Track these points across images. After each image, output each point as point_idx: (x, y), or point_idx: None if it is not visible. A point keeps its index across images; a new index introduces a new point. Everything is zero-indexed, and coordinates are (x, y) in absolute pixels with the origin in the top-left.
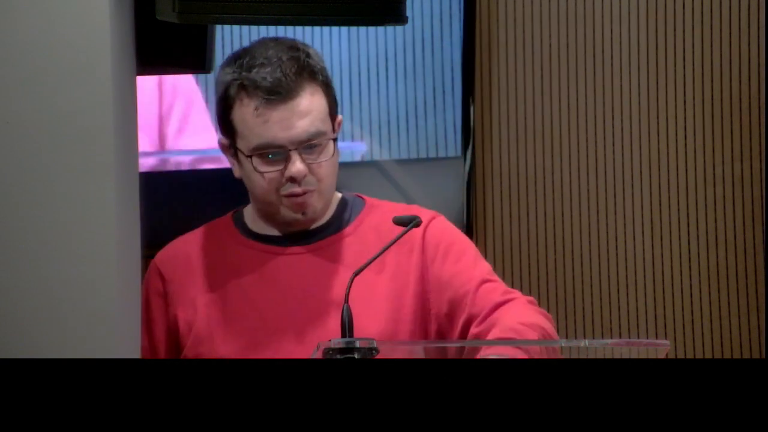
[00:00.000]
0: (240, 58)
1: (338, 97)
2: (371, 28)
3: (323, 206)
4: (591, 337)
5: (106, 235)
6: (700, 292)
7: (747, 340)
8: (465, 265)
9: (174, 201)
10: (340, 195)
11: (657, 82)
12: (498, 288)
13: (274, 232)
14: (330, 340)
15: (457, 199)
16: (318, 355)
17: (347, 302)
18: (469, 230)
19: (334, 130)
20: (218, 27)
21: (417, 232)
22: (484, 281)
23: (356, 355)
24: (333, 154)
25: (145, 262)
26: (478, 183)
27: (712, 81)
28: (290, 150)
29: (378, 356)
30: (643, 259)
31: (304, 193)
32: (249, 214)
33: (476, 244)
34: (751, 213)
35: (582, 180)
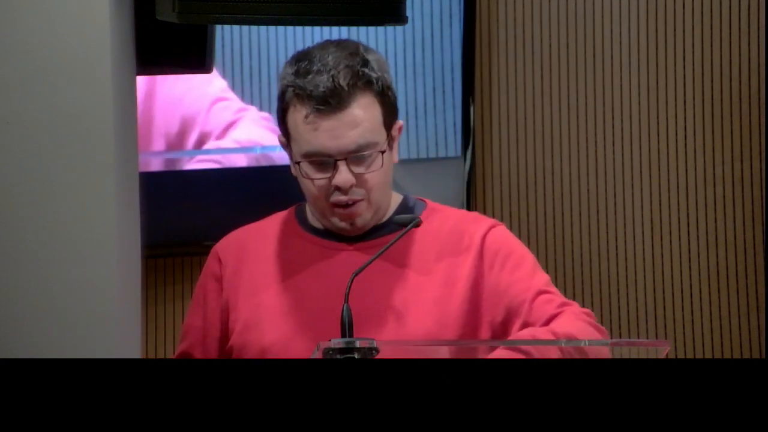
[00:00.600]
0: (300, 61)
1: None
2: (371, 28)
3: (373, 215)
4: None
5: (106, 235)
6: (700, 292)
7: (747, 340)
8: (523, 274)
9: (174, 201)
10: (401, 197)
11: (657, 82)
12: (555, 299)
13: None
14: (330, 340)
15: (457, 199)
16: (318, 355)
17: (347, 302)
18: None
19: (390, 138)
20: (218, 27)
21: (476, 238)
22: (542, 292)
23: (356, 355)
24: (383, 165)
25: (145, 262)
26: (478, 183)
27: (712, 81)
28: (338, 159)
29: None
30: (643, 259)
31: (352, 203)
32: (309, 208)
33: None
34: (751, 213)
35: (582, 180)
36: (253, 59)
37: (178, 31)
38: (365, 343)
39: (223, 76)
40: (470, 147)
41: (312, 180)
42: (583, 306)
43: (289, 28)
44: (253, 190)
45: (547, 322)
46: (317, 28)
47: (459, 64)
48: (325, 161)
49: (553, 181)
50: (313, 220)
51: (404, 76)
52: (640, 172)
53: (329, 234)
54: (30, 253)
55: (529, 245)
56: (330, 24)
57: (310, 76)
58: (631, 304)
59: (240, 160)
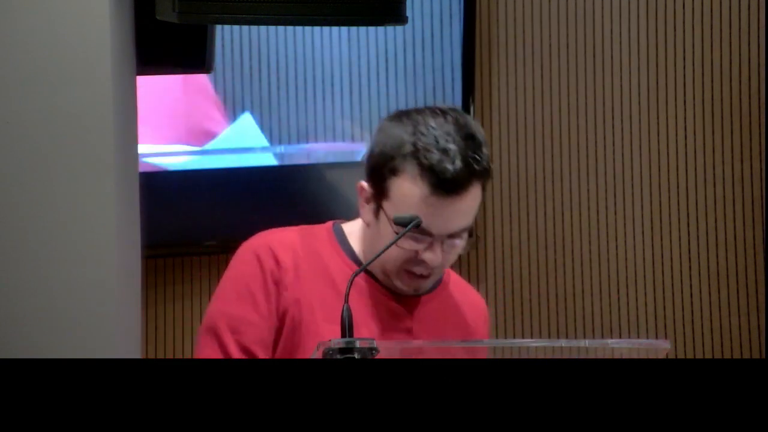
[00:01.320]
0: (420, 131)
1: (338, 97)
2: (371, 28)
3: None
4: (591, 337)
5: (106, 235)
6: (700, 292)
7: (747, 340)
8: None
9: (174, 201)
10: None
11: (657, 82)
12: None
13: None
14: (330, 340)
15: None
16: (318, 355)
17: (347, 302)
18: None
19: (474, 227)
20: (218, 27)
21: (480, 325)
22: None
23: (356, 355)
24: (465, 239)
25: (145, 262)
26: None
27: (712, 81)
28: (435, 239)
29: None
30: (643, 259)
31: (428, 275)
32: (354, 237)
33: (476, 244)
34: (751, 213)
35: (582, 180)
36: (253, 59)
37: (178, 31)
38: (365, 343)
39: (224, 76)
40: None
41: (400, 247)
42: (583, 306)
43: (289, 28)
44: (254, 190)
45: None
46: (317, 28)
47: (459, 64)
48: (423, 236)
49: (553, 181)
50: (359, 251)
51: (404, 76)
52: (640, 172)
53: (369, 273)
54: (30, 253)
55: (529, 245)
56: (330, 24)
57: (436, 156)
58: (631, 304)
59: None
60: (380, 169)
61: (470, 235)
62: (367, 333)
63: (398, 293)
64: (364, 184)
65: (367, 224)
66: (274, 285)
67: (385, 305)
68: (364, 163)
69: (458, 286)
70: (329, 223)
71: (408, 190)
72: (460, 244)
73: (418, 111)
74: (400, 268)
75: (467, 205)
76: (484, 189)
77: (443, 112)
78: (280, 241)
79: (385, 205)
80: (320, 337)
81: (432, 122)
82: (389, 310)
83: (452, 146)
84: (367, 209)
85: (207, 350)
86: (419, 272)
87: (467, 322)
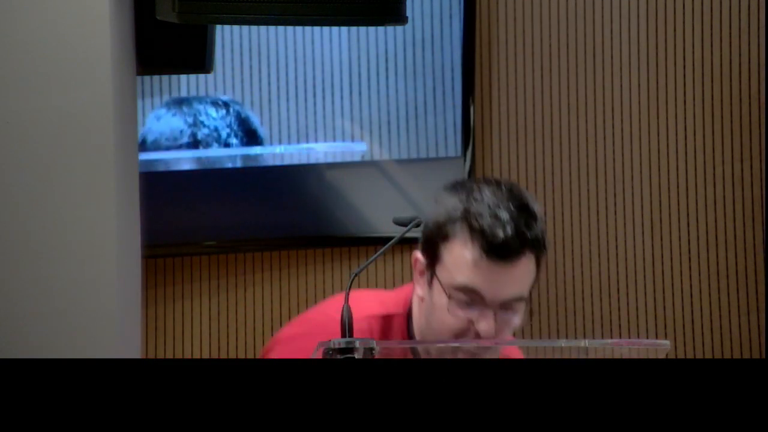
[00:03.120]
0: (474, 200)
1: (338, 97)
2: (371, 28)
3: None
4: (591, 337)
5: (106, 235)
6: (700, 292)
7: (747, 340)
8: None
9: (174, 201)
10: None
11: (657, 82)
12: None
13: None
14: (330, 340)
15: None
16: (318, 355)
17: (347, 302)
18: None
19: (529, 297)
20: (218, 27)
21: None
22: None
23: (356, 355)
24: (522, 314)
25: (145, 262)
26: None
27: (712, 81)
28: (488, 307)
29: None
30: (643, 259)
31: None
32: (416, 321)
33: None
34: (751, 213)
35: (582, 180)
36: (253, 59)
37: (178, 31)
38: (365, 343)
39: (224, 76)
40: (470, 147)
41: (453, 313)
42: (583, 306)
43: (289, 28)
44: (254, 190)
45: None
46: (317, 28)
47: (459, 64)
48: (475, 303)
49: (553, 181)
50: (419, 335)
51: (404, 76)
52: (640, 172)
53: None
54: (30, 253)
55: None
56: (330, 24)
57: (488, 221)
58: (631, 304)
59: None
60: (434, 237)
61: (531, 315)
62: None
63: None
64: (419, 255)
65: (422, 299)
66: None
67: None
68: (420, 237)
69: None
70: (405, 307)
71: (459, 253)
72: (515, 319)
73: (474, 180)
74: (450, 336)
75: (519, 274)
76: (539, 264)
77: (497, 183)
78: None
79: (438, 270)
80: None
81: (486, 190)
82: None
83: (504, 213)
84: (421, 282)
85: None
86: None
87: None
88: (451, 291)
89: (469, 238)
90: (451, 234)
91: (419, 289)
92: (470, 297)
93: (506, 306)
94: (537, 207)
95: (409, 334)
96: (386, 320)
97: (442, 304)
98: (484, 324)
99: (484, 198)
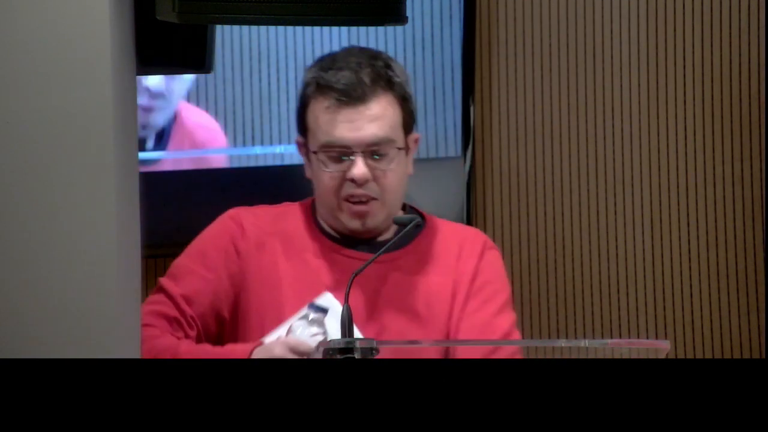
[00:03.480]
0: (322, 61)
1: None
2: (371, 28)
3: (384, 218)
4: (591, 337)
5: (106, 235)
6: (700, 292)
7: (747, 340)
8: (492, 310)
9: (174, 201)
10: (402, 211)
11: (657, 82)
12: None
13: (340, 232)
14: (330, 340)
15: (457, 199)
16: (318, 355)
17: (347, 302)
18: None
19: (407, 146)
20: (218, 27)
21: (468, 262)
22: (505, 334)
23: (356, 355)
24: (399, 165)
25: (145, 262)
26: (478, 183)
27: (712, 81)
28: (355, 152)
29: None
30: (643, 259)
31: (366, 200)
32: (319, 210)
33: None
34: (751, 213)
35: (582, 180)
36: (253, 59)
37: (178, 31)
38: (365, 343)
39: (224, 76)
40: (470, 147)
41: (328, 172)
42: (583, 306)
43: (289, 28)
44: (254, 190)
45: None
46: (317, 28)
47: (459, 64)
48: (343, 152)
49: (553, 181)
50: (325, 223)
51: None
52: (640, 172)
53: (347, 241)
54: (30, 253)
55: (529, 245)
56: (330, 24)
57: (332, 71)
58: (631, 304)
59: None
60: (298, 111)
61: (400, 148)
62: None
63: (370, 252)
64: (297, 135)
65: (310, 178)
66: (234, 250)
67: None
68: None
69: (446, 231)
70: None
71: (316, 112)
72: (391, 165)
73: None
74: (338, 200)
75: (376, 114)
76: (402, 103)
77: (357, 47)
78: (253, 214)
79: (309, 140)
80: (271, 311)
81: (338, 53)
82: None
83: (351, 62)
84: (306, 162)
85: (151, 295)
86: (357, 195)
87: (452, 262)
88: (319, 152)
89: (320, 94)
90: (308, 99)
91: (307, 172)
92: (337, 151)
93: (375, 151)
94: (397, 64)
95: (313, 218)
96: (281, 210)
97: (317, 166)
98: (355, 170)
99: (335, 58)
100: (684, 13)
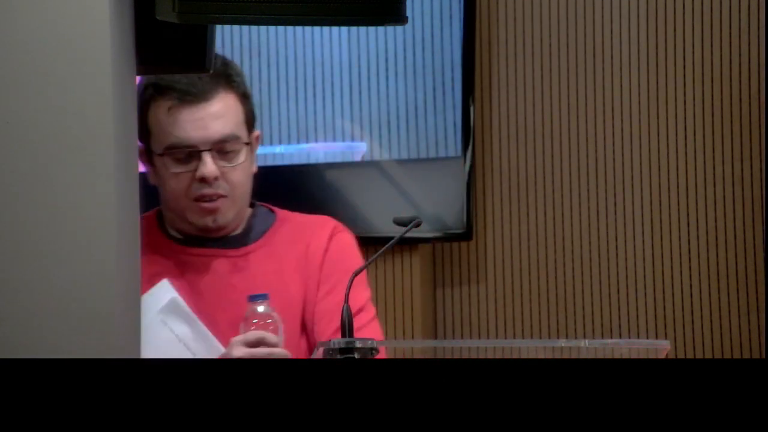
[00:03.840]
0: None
1: (338, 97)
2: (371, 28)
3: (235, 215)
4: (591, 337)
5: (106, 235)
6: (700, 292)
7: (747, 340)
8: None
9: None
10: (251, 209)
11: (657, 82)
12: (364, 317)
13: (188, 233)
14: (330, 341)
15: (457, 199)
16: (318, 355)
17: (347, 302)
18: (469, 230)
19: (250, 142)
20: (218, 27)
21: (317, 249)
22: (359, 310)
23: (356, 355)
24: (246, 161)
25: None
26: (478, 183)
27: (712, 81)
28: (202, 151)
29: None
30: (643, 259)
31: (216, 197)
32: (166, 214)
33: (476, 244)
34: (751, 213)
35: (582, 180)
36: (253, 59)
37: (178, 31)
38: (365, 343)
39: None
40: (470, 147)
41: (175, 173)
42: (583, 306)
43: (289, 28)
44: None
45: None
46: (317, 28)
47: (459, 64)
48: (190, 152)
49: (553, 181)
50: (172, 228)
51: (404, 76)
52: (640, 172)
53: (193, 241)
54: (30, 253)
55: (529, 245)
56: (330, 24)
57: (168, 76)
58: (631, 304)
59: None
60: (137, 117)
61: (247, 144)
62: (195, 302)
63: (222, 248)
64: (140, 144)
65: (155, 184)
66: None
67: (206, 265)
68: None
69: (296, 221)
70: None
71: (157, 114)
72: (238, 157)
73: None
74: (187, 201)
75: (217, 109)
76: (243, 101)
77: None
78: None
79: (152, 144)
80: None
81: None
82: (214, 270)
83: None
84: (148, 169)
85: None
86: (207, 194)
87: (303, 250)
88: (165, 154)
89: (159, 96)
90: (147, 103)
91: (150, 178)
92: (184, 151)
93: (222, 148)
94: (234, 64)
95: (159, 226)
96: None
97: (163, 169)
98: (204, 168)
99: None
100: (684, 13)
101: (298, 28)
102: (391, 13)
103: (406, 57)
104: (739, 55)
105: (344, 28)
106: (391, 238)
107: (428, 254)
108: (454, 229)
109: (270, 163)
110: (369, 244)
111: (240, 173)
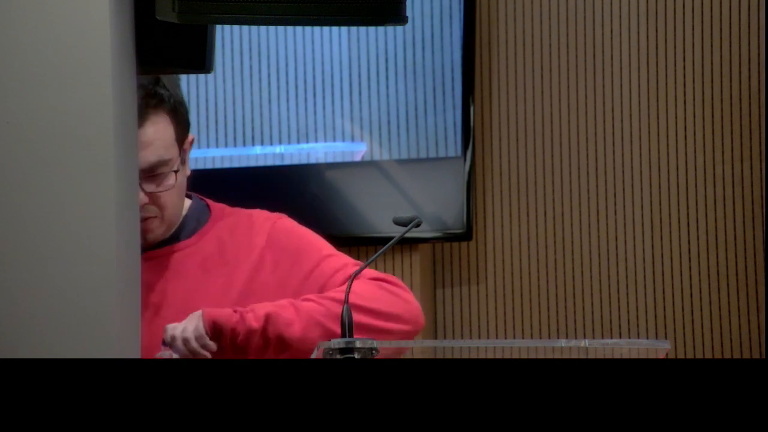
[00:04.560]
0: None
1: (338, 97)
2: (371, 28)
3: (165, 231)
4: (591, 337)
5: (106, 235)
6: (700, 292)
7: (747, 340)
8: (316, 260)
9: None
10: (189, 201)
11: (657, 82)
12: (347, 270)
13: None
14: (330, 341)
15: (457, 199)
16: (318, 355)
17: (347, 302)
18: (469, 230)
19: (182, 153)
20: (218, 27)
21: (261, 239)
22: (337, 269)
23: (356, 355)
24: (178, 180)
25: None
26: (478, 183)
27: (712, 81)
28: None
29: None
30: (643, 259)
31: (144, 219)
32: None
33: (476, 244)
34: (751, 213)
35: (582, 180)
36: (253, 59)
37: (178, 31)
38: (365, 343)
39: (224, 76)
40: (470, 147)
41: None
42: (583, 306)
43: (289, 28)
44: (253, 191)
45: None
46: (317, 28)
47: (459, 64)
48: None
49: (553, 181)
50: None
51: (404, 76)
52: (640, 172)
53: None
54: (30, 253)
55: (529, 245)
56: (330, 24)
57: None
58: (631, 304)
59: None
60: None
61: (176, 171)
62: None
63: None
64: None
65: None
66: None
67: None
68: None
69: (234, 214)
70: None
71: None
72: (167, 182)
73: None
74: None
75: (146, 137)
76: (173, 116)
77: None
78: None
79: None
80: None
81: None
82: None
83: None
84: None
85: None
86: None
87: (246, 242)
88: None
89: None
90: None
91: None
92: None
93: (150, 175)
94: (166, 77)
95: None
96: None
97: None
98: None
99: None
100: (684, 13)
101: (298, 28)
102: (391, 13)
103: (406, 57)
104: (739, 55)
105: (344, 28)
106: (391, 238)
107: (428, 254)
108: (454, 229)
109: (270, 163)
110: (369, 244)
111: (169, 195)
